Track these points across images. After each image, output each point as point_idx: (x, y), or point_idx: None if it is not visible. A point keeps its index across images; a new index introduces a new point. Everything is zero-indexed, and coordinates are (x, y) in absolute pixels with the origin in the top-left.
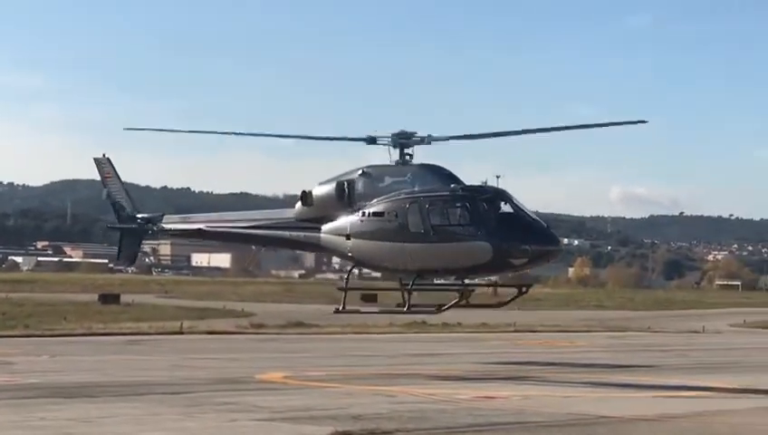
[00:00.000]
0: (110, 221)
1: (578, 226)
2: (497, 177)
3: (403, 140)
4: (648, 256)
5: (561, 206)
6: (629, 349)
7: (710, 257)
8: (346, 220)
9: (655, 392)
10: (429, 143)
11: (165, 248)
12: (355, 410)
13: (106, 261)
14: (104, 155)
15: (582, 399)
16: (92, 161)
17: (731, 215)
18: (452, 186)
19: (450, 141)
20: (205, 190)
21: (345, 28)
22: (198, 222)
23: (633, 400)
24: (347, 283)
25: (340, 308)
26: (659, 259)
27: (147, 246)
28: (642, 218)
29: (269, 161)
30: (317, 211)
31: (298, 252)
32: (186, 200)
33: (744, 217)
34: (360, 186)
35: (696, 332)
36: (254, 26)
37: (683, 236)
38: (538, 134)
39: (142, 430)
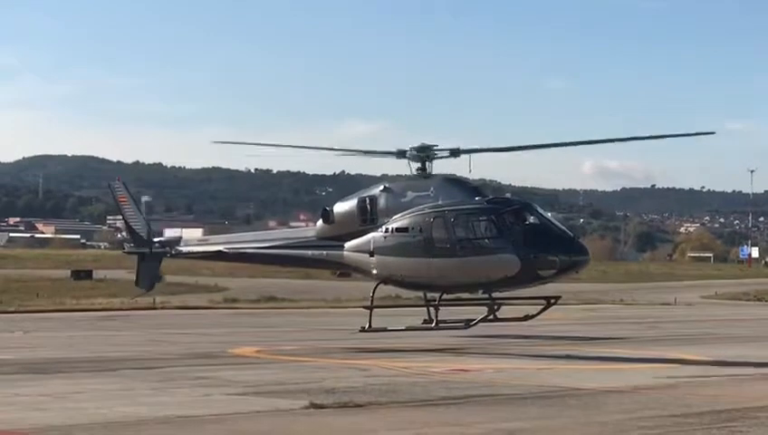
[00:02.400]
0: (84, 197)
1: (551, 198)
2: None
3: (424, 154)
4: (620, 228)
5: (534, 179)
6: (602, 321)
7: (682, 230)
8: (369, 237)
9: (627, 365)
10: (458, 156)
11: None
12: (328, 383)
13: (78, 237)
14: (119, 179)
15: (554, 371)
16: (65, 136)
17: (703, 187)
18: (477, 198)
19: (417, 115)
20: (177, 165)
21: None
22: (217, 244)
23: (605, 372)
24: (372, 301)
25: (366, 327)
26: (632, 232)
27: (119, 221)
28: (614, 191)
29: (238, 135)
30: (338, 229)
31: (272, 225)
32: (158, 175)
33: (716, 190)
34: (382, 201)
35: (668, 304)
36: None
37: (655, 208)
38: (509, 107)
39: (116, 405)
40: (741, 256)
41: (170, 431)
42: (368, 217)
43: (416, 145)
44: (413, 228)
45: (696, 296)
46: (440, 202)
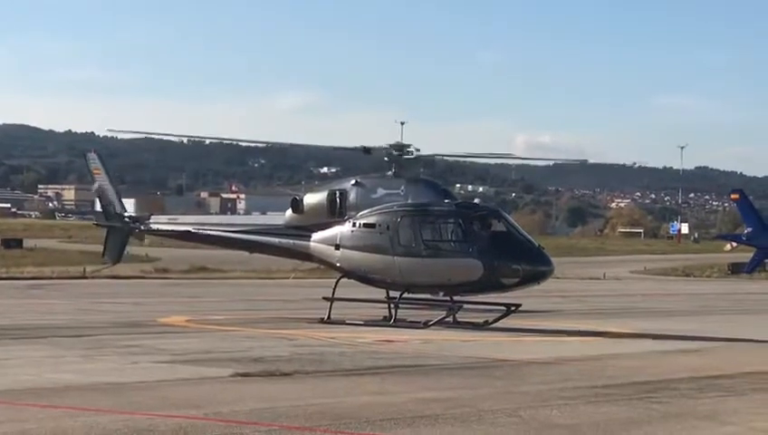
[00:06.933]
0: (14, 166)
1: (482, 173)
2: (402, 123)
3: (398, 152)
4: (552, 203)
5: (466, 153)
6: (530, 294)
7: (613, 205)
8: (336, 230)
9: (552, 337)
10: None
11: (69, 193)
12: (256, 352)
13: (8, 205)
14: (94, 151)
15: (481, 343)
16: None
17: (634, 163)
18: (446, 201)
19: (351, 86)
20: (109, 135)
21: None
22: (187, 224)
23: (530, 344)
24: (333, 293)
25: (325, 318)
26: (563, 206)
27: (50, 190)
28: (547, 166)
29: (172, 105)
30: (307, 219)
31: (203, 196)
32: (90, 145)
33: (647, 166)
34: (352, 196)
35: (596, 278)
36: None
37: (587, 183)
38: (445, 80)
39: (43, 372)
40: (671, 232)
41: (97, 397)
42: (337, 209)
43: (392, 143)
44: (380, 225)
45: (625, 271)
46: (410, 201)
